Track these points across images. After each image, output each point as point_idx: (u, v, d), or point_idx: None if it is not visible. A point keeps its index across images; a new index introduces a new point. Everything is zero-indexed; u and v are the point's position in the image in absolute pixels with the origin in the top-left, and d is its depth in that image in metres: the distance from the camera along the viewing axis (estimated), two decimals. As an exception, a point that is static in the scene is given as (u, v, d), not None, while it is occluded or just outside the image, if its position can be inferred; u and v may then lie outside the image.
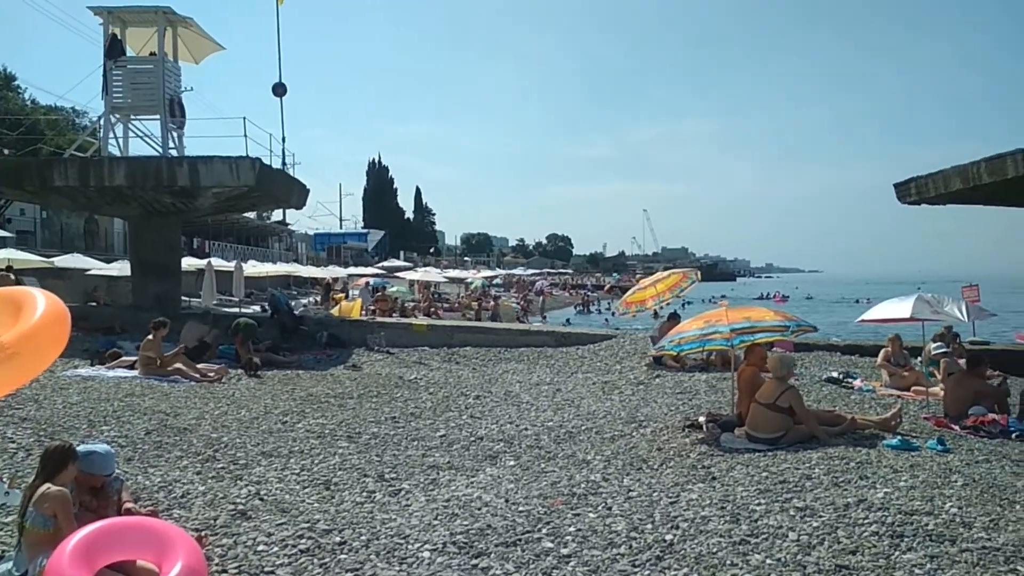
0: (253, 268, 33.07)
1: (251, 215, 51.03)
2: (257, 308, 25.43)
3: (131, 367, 12.15)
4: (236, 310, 21.65)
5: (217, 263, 26.02)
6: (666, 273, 15.86)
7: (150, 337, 11.97)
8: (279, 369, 13.24)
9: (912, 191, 20.12)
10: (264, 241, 62.22)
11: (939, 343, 12.52)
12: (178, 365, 11.82)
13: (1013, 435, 8.18)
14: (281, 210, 53.31)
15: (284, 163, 18.99)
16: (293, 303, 23.07)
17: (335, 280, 38.33)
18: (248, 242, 55.70)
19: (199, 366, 12.15)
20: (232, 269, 25.40)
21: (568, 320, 35.43)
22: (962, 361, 11.66)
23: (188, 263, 25.12)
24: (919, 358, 12.75)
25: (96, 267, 26.65)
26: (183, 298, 20.69)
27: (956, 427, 8.62)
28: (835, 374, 12.35)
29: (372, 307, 24.05)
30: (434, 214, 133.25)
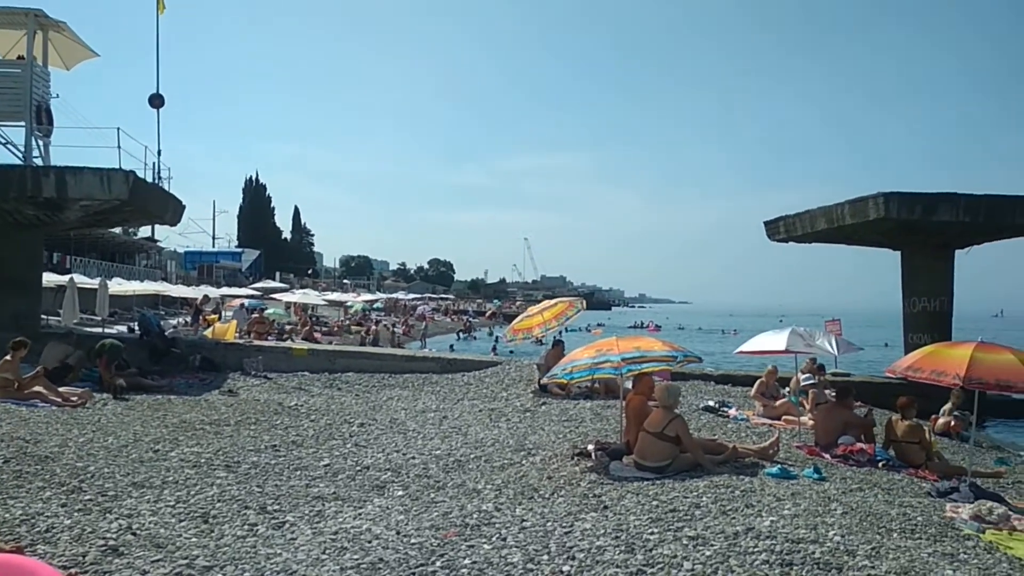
0: (118, 286, 31.38)
1: (117, 230, 48.56)
2: (122, 328, 24.20)
3: (-16, 390, 11.24)
4: (99, 330, 20.47)
5: (79, 280, 24.61)
6: (553, 302, 16.06)
7: (8, 358, 11.13)
8: (149, 394, 12.55)
9: (781, 229, 21.24)
10: (130, 258, 59.21)
11: (807, 375, 13.16)
12: (38, 388, 11.01)
13: (880, 463, 8.66)
14: (150, 226, 51.21)
15: (159, 177, 18.15)
16: (163, 324, 22.00)
17: (205, 300, 36.80)
18: (113, 258, 52.83)
19: (61, 389, 11.37)
20: (95, 286, 24.07)
21: (452, 346, 35.32)
22: (828, 392, 12.31)
23: (48, 279, 23.59)
24: (787, 388, 13.36)
25: (-57, 280, 24.65)
26: (41, 316, 19.37)
27: (827, 456, 9.04)
28: (711, 403, 12.77)
29: (247, 329, 23.25)
30: (313, 235, 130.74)
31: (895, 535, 5.54)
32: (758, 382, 13.10)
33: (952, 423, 12.39)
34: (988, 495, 7.26)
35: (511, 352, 27.66)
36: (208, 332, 21.06)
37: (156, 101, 19.53)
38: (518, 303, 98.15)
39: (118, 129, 16.78)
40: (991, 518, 6.24)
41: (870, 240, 20.18)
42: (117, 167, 15.72)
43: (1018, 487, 9.01)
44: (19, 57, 16.87)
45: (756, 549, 5.12)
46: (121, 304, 33.46)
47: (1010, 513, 6.46)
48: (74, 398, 11.18)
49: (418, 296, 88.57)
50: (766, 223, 21.74)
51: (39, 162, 16.72)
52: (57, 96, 17.48)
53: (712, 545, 5.22)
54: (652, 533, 5.53)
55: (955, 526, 6.04)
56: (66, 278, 23.54)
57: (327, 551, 5.31)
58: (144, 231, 60.27)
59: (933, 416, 12.60)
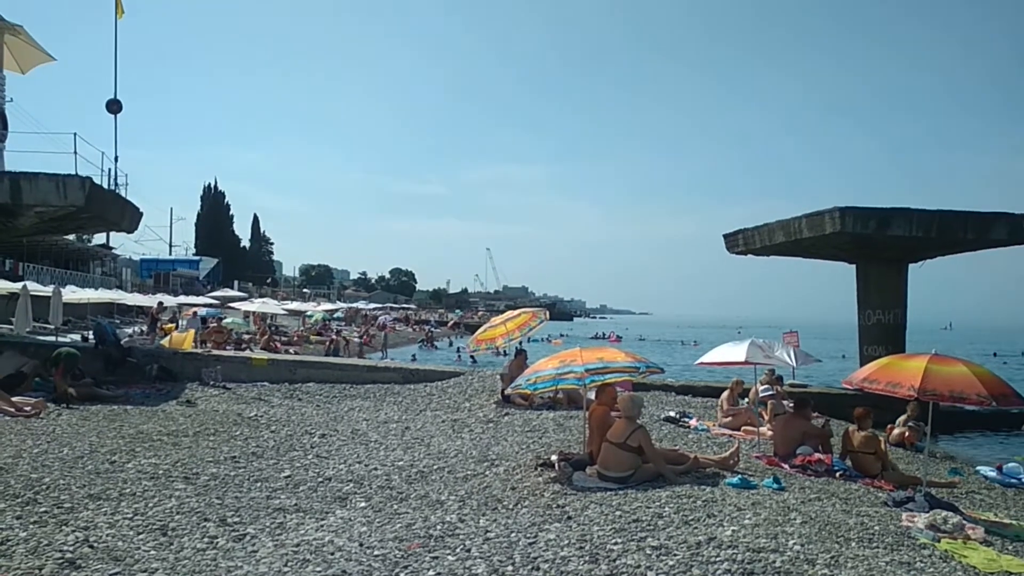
0: (72, 294, 30.70)
1: (71, 237, 47.53)
2: (76, 337, 23.70)
3: (-67, 399, 10.94)
4: (53, 339, 20.05)
5: (32, 287, 24.04)
6: (516, 312, 16.07)
7: (-43, 367, 10.86)
8: (104, 404, 12.32)
9: (740, 242, 21.52)
10: (84, 265, 57.95)
11: (766, 386, 13.33)
12: (-10, 398, 10.75)
13: (837, 473, 8.79)
14: (105, 233, 50.22)
15: (116, 184, 17.89)
16: (118, 333, 21.60)
17: (161, 308, 36.18)
18: (67, 266, 51.64)
19: (14, 399, 11.10)
20: (49, 294, 23.57)
21: (414, 356, 35.18)
22: (786, 403, 12.48)
23: (0, 286, 23.07)
24: (746, 399, 13.52)
25: None
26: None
27: (786, 466, 9.17)
28: (672, 413, 12.88)
29: (202, 338, 22.90)
30: (272, 243, 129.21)
31: (853, 544, 5.63)
32: (725, 392, 13.18)
33: (906, 434, 12.62)
34: (943, 505, 7.41)
35: (474, 360, 27.73)
36: (165, 341, 20.72)
37: (113, 107, 19.32)
38: (480, 313, 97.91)
39: (74, 135, 16.58)
40: (946, 527, 6.37)
41: (827, 254, 20.54)
42: (73, 173, 15.49)
43: (971, 497, 9.21)
44: (-27, 60, 16.57)
45: (718, 558, 5.17)
46: (75, 312, 32.76)
47: (964, 522, 6.60)
48: (28, 408, 10.93)
49: (379, 306, 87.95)
50: (725, 236, 22.00)
51: (-8, 167, 16.39)
52: (11, 100, 17.19)
53: (675, 555, 5.27)
54: (616, 543, 5.56)
55: (911, 535, 6.16)
56: (19, 285, 23.01)
57: (289, 564, 5.25)
58: (99, 238, 59.08)
59: (889, 426, 12.83)
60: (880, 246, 18.09)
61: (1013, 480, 10.75)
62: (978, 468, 11.64)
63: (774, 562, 5.09)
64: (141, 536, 5.80)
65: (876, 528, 6.16)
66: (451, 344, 50.00)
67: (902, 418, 12.96)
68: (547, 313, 16.16)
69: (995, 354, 54.39)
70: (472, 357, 27.91)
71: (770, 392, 13.01)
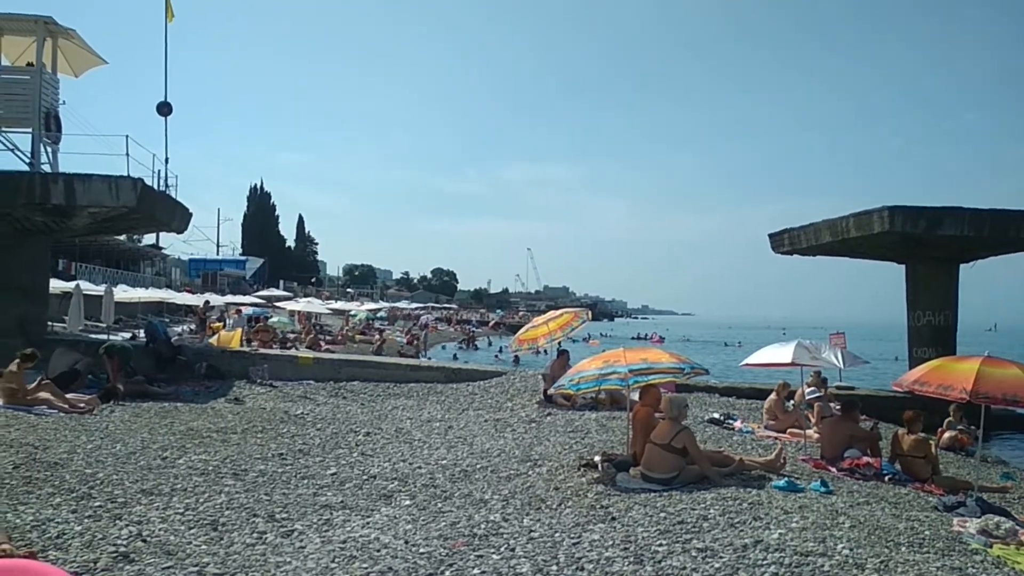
0: (124, 293, 31.38)
1: (122, 237, 48.60)
2: (127, 335, 24.21)
3: (-9, 396, 11.26)
4: (105, 337, 20.49)
5: (85, 287, 24.61)
6: (558, 312, 16.08)
7: (13, 368, 11.14)
8: (155, 401, 12.57)
9: (785, 242, 21.24)
10: (135, 265, 59.26)
11: (812, 388, 13.14)
12: (45, 395, 11.03)
13: (886, 477, 8.64)
14: (155, 233, 51.22)
15: (166, 185, 18.22)
16: (168, 331, 22.02)
17: (208, 307, 36.76)
18: (118, 265, 52.87)
19: (68, 396, 11.39)
20: (101, 293, 24.11)
21: (456, 356, 35.38)
22: (833, 405, 12.30)
23: (54, 286, 23.66)
24: (791, 402, 13.34)
25: (-52, 286, 24.69)
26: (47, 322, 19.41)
27: (833, 469, 9.03)
28: (716, 415, 12.76)
29: (251, 337, 23.27)
30: (317, 243, 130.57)
31: (903, 549, 5.54)
32: (772, 396, 13.00)
33: (959, 437, 12.37)
34: (995, 510, 7.26)
35: (516, 360, 27.78)
36: (213, 340, 21.08)
37: (164, 109, 19.61)
38: (521, 313, 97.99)
39: (127, 137, 16.89)
40: (998, 532, 6.24)
41: (875, 253, 20.19)
42: (125, 174, 15.83)
43: (1024, 502, 9.00)
44: (28, 64, 16.99)
45: (765, 561, 5.12)
46: (126, 311, 33.51)
47: (1017, 528, 6.46)
48: (81, 404, 11.21)
49: (421, 305, 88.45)
50: (771, 235, 21.73)
51: (47, 169, 16.82)
52: (64, 103, 17.59)
53: (721, 557, 5.23)
54: (661, 545, 5.53)
55: (962, 540, 6.05)
56: (72, 285, 23.56)
57: (336, 560, 5.33)
58: (149, 238, 60.35)
59: (939, 429, 12.59)
60: (930, 246, 17.72)
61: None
62: (1031, 473, 11.37)
63: (822, 566, 5.03)
64: (192, 531, 5.93)
65: (926, 533, 6.05)
66: (491, 344, 50.12)
67: (949, 420, 12.71)
68: (589, 313, 16.15)
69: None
70: (516, 357, 27.97)
71: (817, 394, 12.83)
